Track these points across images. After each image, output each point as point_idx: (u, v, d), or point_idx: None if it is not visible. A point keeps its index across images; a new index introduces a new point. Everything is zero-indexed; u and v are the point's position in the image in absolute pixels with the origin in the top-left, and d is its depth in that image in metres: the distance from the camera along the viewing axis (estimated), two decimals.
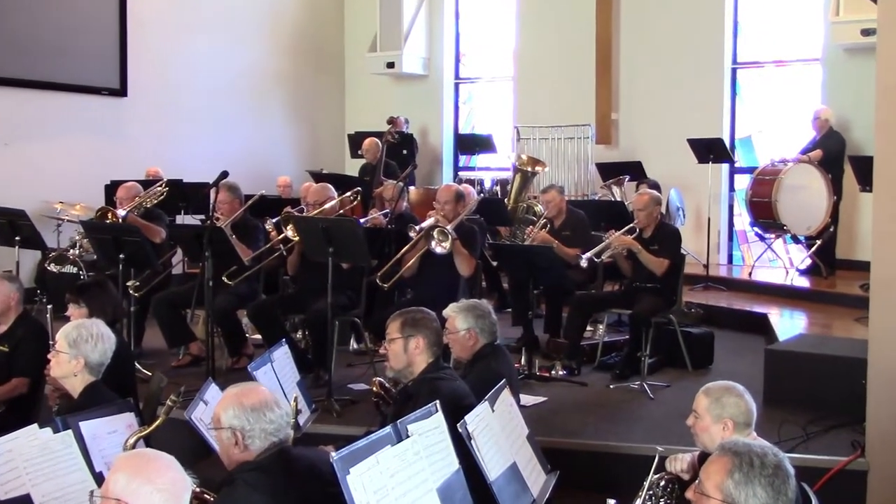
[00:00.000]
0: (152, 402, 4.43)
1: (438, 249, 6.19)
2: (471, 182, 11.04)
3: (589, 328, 7.48)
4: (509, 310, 7.78)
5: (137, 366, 5.64)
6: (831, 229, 9.04)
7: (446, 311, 4.34)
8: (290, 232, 6.55)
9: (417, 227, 6.40)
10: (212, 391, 3.88)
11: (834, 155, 9.05)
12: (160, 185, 7.55)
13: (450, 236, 6.17)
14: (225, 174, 6.09)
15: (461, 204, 6.59)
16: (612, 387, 6.40)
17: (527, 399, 5.87)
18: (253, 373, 4.20)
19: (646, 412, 5.89)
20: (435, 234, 6.22)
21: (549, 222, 7.60)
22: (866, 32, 8.70)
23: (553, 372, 6.66)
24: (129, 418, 3.61)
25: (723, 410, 3.25)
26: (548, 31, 11.83)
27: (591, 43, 11.28)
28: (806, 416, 5.36)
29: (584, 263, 6.67)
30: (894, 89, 4.71)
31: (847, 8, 9.31)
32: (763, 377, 5.91)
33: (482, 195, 10.20)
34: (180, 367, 6.85)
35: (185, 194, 9.07)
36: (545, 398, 6.08)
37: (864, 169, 7.48)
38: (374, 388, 4.29)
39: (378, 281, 6.29)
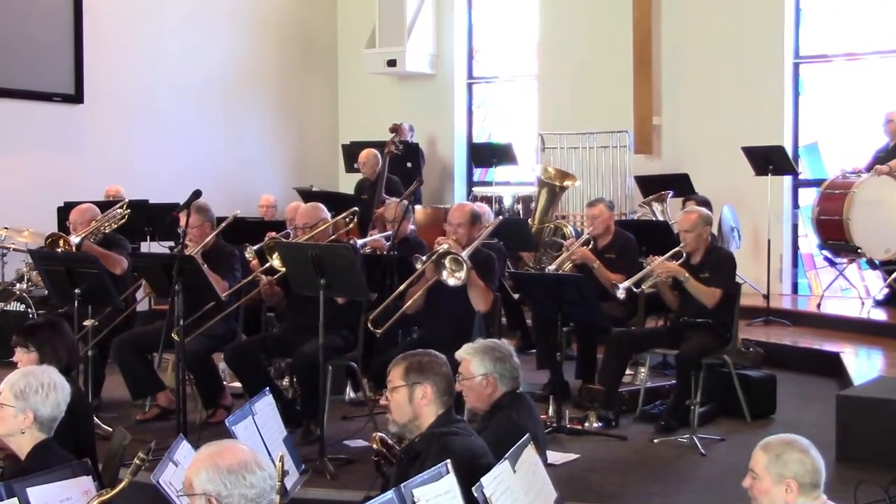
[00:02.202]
0: (113, 462, 4.44)
1: (451, 281, 6.20)
2: (487, 200, 11.08)
3: (629, 372, 7.49)
4: (534, 351, 7.79)
5: (96, 420, 5.65)
6: None
7: (459, 354, 4.34)
8: (275, 261, 6.58)
9: (424, 257, 6.40)
10: (183, 450, 3.89)
11: None
12: (120, 207, 7.60)
13: (465, 265, 6.18)
14: (198, 194, 6.13)
15: (477, 226, 6.61)
16: (656, 441, 6.39)
17: (555, 457, 5.86)
18: (231, 428, 4.21)
19: (696, 471, 5.87)
20: (447, 262, 6.23)
21: (592, 241, 7.64)
22: None
23: (586, 424, 6.65)
24: (85, 482, 3.62)
25: (784, 469, 3.25)
26: (577, 22, 11.90)
27: (628, 35, 11.33)
28: (888, 474, 5.31)
29: (621, 294, 6.69)
30: None
31: None
32: (835, 428, 5.89)
33: (501, 216, 10.24)
34: (146, 422, 6.86)
35: (151, 217, 9.13)
36: (577, 455, 6.06)
37: None
38: (375, 445, 4.29)
39: (370, 325, 6.29)
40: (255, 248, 7.02)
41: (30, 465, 3.80)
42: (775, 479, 3.25)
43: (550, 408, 6.66)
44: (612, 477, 5.75)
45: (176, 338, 5.87)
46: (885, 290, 9.31)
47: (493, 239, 7.37)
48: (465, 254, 6.24)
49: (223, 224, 7.06)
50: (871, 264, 9.47)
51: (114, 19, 11.16)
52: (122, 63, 11.23)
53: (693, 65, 11.15)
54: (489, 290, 6.41)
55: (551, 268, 7.51)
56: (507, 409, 4.24)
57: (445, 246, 6.35)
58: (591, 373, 7.28)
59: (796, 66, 10.87)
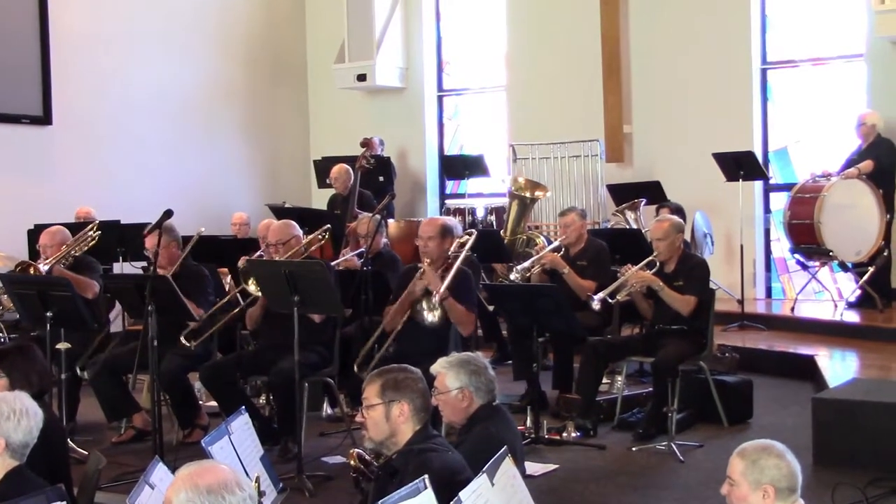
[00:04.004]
0: (89, 486, 4.40)
1: (430, 318, 6.22)
2: (460, 212, 11.09)
3: (605, 380, 7.50)
4: (510, 362, 7.79)
5: (71, 444, 5.61)
6: (885, 253, 9.10)
7: (434, 368, 4.34)
8: (251, 287, 6.52)
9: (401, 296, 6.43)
10: (159, 472, 3.86)
11: (885, 166, 9.14)
12: (91, 229, 7.55)
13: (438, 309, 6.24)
14: (169, 213, 6.12)
15: (448, 239, 6.61)
16: (634, 449, 6.41)
17: (534, 468, 5.87)
18: (208, 448, 4.18)
19: (675, 478, 5.89)
20: (424, 303, 6.27)
21: (563, 248, 7.67)
22: None
23: (565, 434, 6.66)
24: None
25: (761, 475, 3.26)
26: (545, 32, 11.94)
27: (597, 44, 11.37)
28: (865, 476, 5.35)
29: (596, 305, 6.72)
30: None
31: None
32: (811, 431, 5.92)
33: (474, 228, 10.26)
34: (122, 444, 6.82)
35: (124, 238, 9.07)
36: (556, 466, 6.07)
37: None
38: (352, 462, 4.27)
39: (356, 369, 6.29)
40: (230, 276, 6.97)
41: (2, 493, 3.76)
42: (752, 485, 3.26)
43: (528, 419, 6.66)
44: (591, 486, 5.76)
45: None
46: (858, 293, 9.38)
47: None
48: (442, 289, 6.21)
49: (190, 244, 7.00)
50: (843, 267, 9.53)
51: (81, 39, 11.11)
52: (90, 83, 11.17)
53: (662, 73, 11.20)
54: (469, 312, 6.44)
55: (520, 267, 7.54)
56: (484, 422, 4.24)
57: (420, 285, 6.34)
58: (568, 382, 7.29)
59: (764, 71, 10.93)
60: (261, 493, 4.15)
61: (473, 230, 6.99)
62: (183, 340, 6.39)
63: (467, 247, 6.67)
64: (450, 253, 6.59)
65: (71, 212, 9.73)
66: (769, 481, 3.26)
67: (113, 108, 11.39)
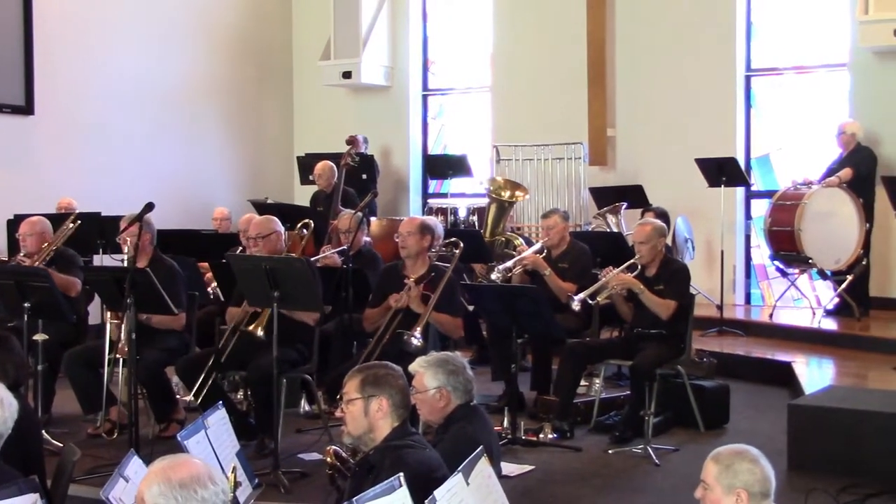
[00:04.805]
0: (63, 479, 4.38)
1: (414, 341, 6.20)
2: (442, 211, 11.09)
3: (583, 383, 7.50)
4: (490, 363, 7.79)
5: (46, 436, 5.59)
6: (864, 262, 9.15)
7: (413, 367, 4.33)
8: (259, 332, 6.30)
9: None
10: (133, 465, 3.84)
11: (864, 175, 9.19)
12: (72, 221, 7.51)
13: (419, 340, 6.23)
14: (150, 206, 6.09)
15: (427, 237, 6.64)
16: (610, 452, 6.42)
17: (510, 468, 5.87)
18: (183, 442, 4.16)
19: (651, 482, 5.90)
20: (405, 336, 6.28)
21: (545, 250, 7.68)
22: None
23: (542, 435, 6.66)
24: (32, 500, 3.56)
25: (734, 479, 3.27)
26: (531, 34, 11.95)
27: (583, 47, 11.40)
28: (838, 482, 5.38)
29: (576, 306, 6.74)
30: None
31: (878, 5, 9.47)
32: (787, 437, 5.94)
33: (460, 226, 10.28)
34: (98, 436, 6.78)
35: (104, 230, 9.02)
36: (532, 467, 6.07)
37: None
38: (329, 459, 4.27)
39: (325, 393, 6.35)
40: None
41: None
42: (726, 489, 3.27)
43: (505, 419, 6.67)
44: (566, 488, 5.77)
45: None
46: (836, 300, 9.43)
47: (443, 250, 7.40)
48: (418, 332, 6.22)
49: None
50: (822, 275, 9.58)
51: (65, 30, 11.04)
52: (73, 74, 11.10)
53: (647, 77, 11.24)
54: (455, 318, 6.52)
55: (502, 267, 7.55)
56: (461, 422, 4.24)
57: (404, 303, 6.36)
58: (546, 384, 7.30)
59: (748, 78, 10.98)
60: (237, 484, 4.14)
61: (459, 241, 6.98)
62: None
63: (453, 264, 6.74)
64: (435, 262, 6.64)
65: (52, 202, 9.69)
66: (742, 485, 3.27)
67: (96, 99, 11.33)
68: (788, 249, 9.17)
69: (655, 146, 11.13)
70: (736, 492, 3.27)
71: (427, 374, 4.27)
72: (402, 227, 6.73)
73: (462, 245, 6.91)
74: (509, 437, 6.51)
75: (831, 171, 9.32)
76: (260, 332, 6.24)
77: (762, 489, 3.28)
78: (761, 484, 3.28)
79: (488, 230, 9.40)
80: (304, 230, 7.27)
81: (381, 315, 6.54)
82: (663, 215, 8.82)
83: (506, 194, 9.52)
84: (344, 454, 4.26)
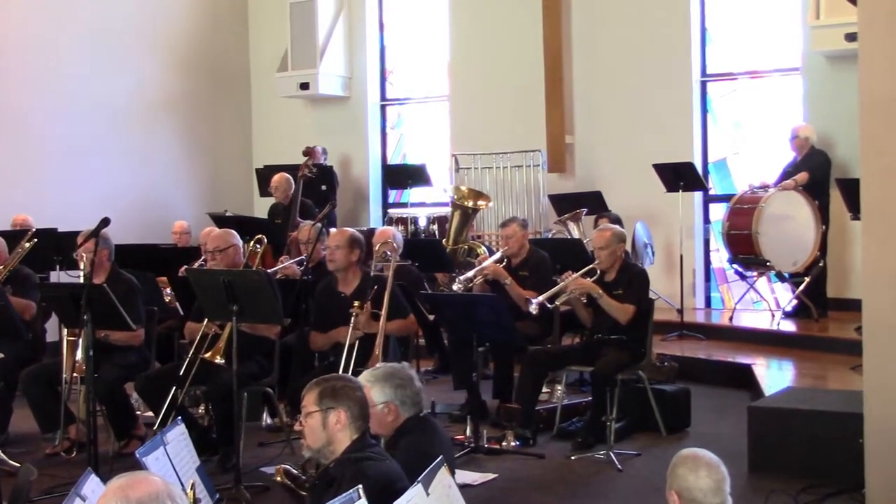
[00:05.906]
0: (19, 499, 4.33)
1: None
2: (402, 221, 11.08)
3: (545, 390, 7.53)
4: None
5: (2, 456, 5.52)
6: (821, 264, 9.24)
7: (359, 380, 4.29)
8: (217, 359, 6.25)
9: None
10: (90, 484, 3.80)
11: (819, 178, 9.28)
12: (28, 241, 7.45)
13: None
14: (106, 221, 6.04)
15: (356, 252, 6.68)
16: (573, 458, 6.44)
17: (474, 476, 5.88)
18: (142, 459, 4.13)
19: (614, 487, 5.93)
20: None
21: (505, 259, 7.70)
22: (851, 37, 8.93)
23: (504, 443, 6.67)
24: None
25: (673, 480, 3.35)
26: (487, 42, 11.99)
27: (539, 54, 11.43)
28: (798, 483, 5.43)
29: (534, 310, 6.76)
30: (881, 101, 4.87)
31: (829, 10, 9.55)
32: (747, 439, 5.99)
33: (420, 235, 10.28)
34: (56, 455, 6.70)
35: (61, 246, 8.93)
36: (495, 475, 6.08)
37: (853, 193, 7.66)
38: (279, 479, 4.23)
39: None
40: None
41: None
42: (667, 487, 3.35)
43: (468, 428, 6.68)
44: (530, 495, 5.78)
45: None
46: (794, 302, 9.52)
47: (406, 261, 7.40)
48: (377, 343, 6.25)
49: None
50: (781, 277, 9.67)
51: (18, 40, 10.91)
52: (26, 86, 10.97)
53: (604, 84, 11.30)
54: (405, 320, 6.59)
55: (463, 278, 7.57)
56: (410, 436, 4.21)
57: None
58: (508, 392, 7.31)
59: (703, 84, 11.07)
60: (196, 500, 4.11)
61: (396, 256, 7.07)
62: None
63: (391, 272, 6.77)
64: (367, 270, 6.68)
65: (7, 219, 9.58)
66: (677, 488, 3.32)
67: (49, 113, 11.20)
68: (747, 253, 9.24)
69: (613, 152, 11.19)
70: (671, 492, 3.33)
71: (374, 389, 4.21)
72: (331, 240, 6.76)
73: (398, 250, 6.98)
74: (472, 445, 6.52)
75: (786, 175, 9.42)
76: (219, 360, 6.17)
77: (694, 498, 3.29)
78: (692, 493, 3.29)
79: (451, 238, 9.41)
80: (258, 245, 7.23)
81: (327, 342, 6.57)
82: (617, 221, 8.87)
83: (469, 203, 9.54)
84: (294, 471, 4.24)
